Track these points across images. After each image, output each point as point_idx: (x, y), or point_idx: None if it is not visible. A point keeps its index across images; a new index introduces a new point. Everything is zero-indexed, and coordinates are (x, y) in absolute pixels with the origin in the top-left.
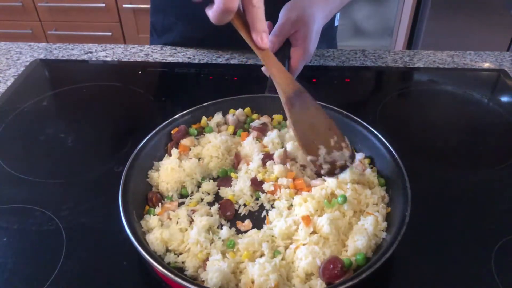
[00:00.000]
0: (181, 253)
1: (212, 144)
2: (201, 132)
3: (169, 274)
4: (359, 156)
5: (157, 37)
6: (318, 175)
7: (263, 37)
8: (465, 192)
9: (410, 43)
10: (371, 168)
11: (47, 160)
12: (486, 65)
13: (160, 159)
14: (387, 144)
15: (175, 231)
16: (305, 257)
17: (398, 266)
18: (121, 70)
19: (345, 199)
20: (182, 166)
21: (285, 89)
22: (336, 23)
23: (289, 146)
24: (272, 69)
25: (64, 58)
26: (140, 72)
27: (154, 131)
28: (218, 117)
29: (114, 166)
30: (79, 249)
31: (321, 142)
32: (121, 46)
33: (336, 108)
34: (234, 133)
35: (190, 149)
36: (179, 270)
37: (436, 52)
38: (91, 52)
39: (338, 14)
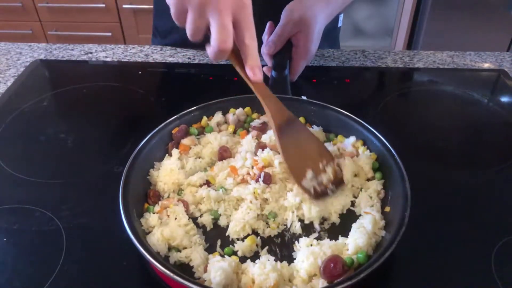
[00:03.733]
0: (184, 248)
1: (213, 146)
2: (201, 131)
3: (169, 273)
4: (351, 140)
5: (160, 39)
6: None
7: (256, 72)
8: (465, 192)
9: (410, 43)
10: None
11: (47, 160)
12: (486, 65)
13: (161, 159)
14: (387, 144)
15: (175, 227)
16: (306, 258)
17: (398, 265)
18: (121, 70)
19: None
20: (183, 167)
21: (276, 118)
22: (340, 24)
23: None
24: (265, 99)
25: (64, 59)
26: (140, 73)
27: (154, 131)
28: (218, 116)
29: (114, 166)
30: (79, 249)
31: (309, 167)
32: (121, 47)
33: (337, 108)
34: (234, 132)
35: (190, 148)
36: (185, 267)
37: (436, 52)
38: (91, 53)
39: (342, 15)
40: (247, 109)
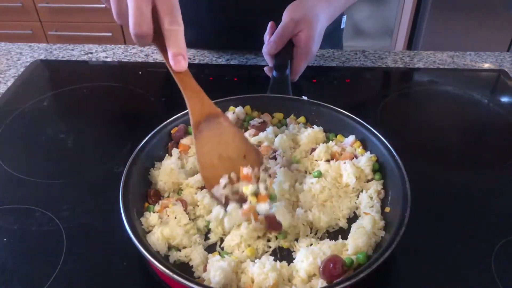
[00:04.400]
0: (184, 247)
1: None
2: None
3: (169, 272)
4: (350, 139)
5: None
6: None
7: (179, 60)
8: (465, 192)
9: (410, 44)
10: (361, 150)
11: (47, 160)
12: (486, 65)
13: (161, 158)
14: (388, 144)
15: (175, 226)
16: (306, 258)
17: (398, 265)
18: (122, 70)
19: (319, 173)
20: (184, 167)
21: (194, 113)
22: (343, 26)
23: (277, 139)
24: (186, 91)
25: (65, 59)
26: (140, 73)
27: (154, 131)
28: None
29: (114, 166)
30: (79, 249)
31: (226, 171)
32: (121, 47)
33: (337, 108)
34: None
35: (190, 148)
36: (185, 266)
37: (436, 52)
38: (91, 53)
39: (345, 16)
40: (247, 107)
